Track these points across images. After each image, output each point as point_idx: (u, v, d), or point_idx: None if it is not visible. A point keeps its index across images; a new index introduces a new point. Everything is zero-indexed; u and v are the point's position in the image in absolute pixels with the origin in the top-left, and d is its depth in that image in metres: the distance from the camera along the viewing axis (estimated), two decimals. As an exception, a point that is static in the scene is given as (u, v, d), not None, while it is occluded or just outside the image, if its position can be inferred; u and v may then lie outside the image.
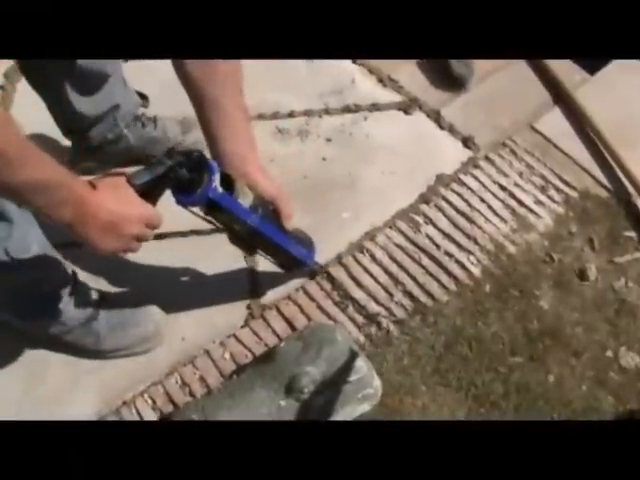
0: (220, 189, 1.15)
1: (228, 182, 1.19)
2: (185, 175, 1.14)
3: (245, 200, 1.22)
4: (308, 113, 1.92)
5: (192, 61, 1.18)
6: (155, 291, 1.56)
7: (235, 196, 1.20)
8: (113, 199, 1.04)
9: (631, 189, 1.73)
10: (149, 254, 1.58)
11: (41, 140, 1.82)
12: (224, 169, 1.21)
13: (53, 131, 1.69)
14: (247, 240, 1.36)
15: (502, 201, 1.73)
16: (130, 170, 1.10)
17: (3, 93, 1.97)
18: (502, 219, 1.69)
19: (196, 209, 1.21)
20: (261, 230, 1.29)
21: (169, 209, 1.57)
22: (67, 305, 1.41)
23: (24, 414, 1.44)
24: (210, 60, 1.18)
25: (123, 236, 1.07)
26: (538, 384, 1.45)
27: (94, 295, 1.48)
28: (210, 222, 1.27)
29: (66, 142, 1.73)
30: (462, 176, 1.78)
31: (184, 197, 1.16)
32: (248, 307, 1.57)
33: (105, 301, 1.49)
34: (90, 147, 1.70)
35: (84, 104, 1.59)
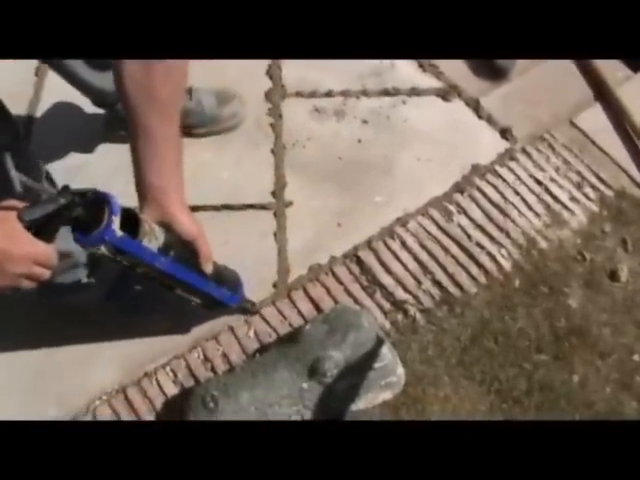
0: (118, 232, 1.06)
1: (134, 222, 1.11)
2: (82, 214, 1.04)
3: (153, 242, 1.14)
4: (346, 93, 1.90)
5: (132, 82, 1.12)
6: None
7: (140, 238, 1.11)
8: None
9: (668, 192, 1.70)
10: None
11: (75, 108, 1.82)
12: (145, 202, 1.15)
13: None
14: (161, 281, 1.27)
15: (537, 195, 1.70)
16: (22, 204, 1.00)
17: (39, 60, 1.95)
18: (536, 214, 1.67)
19: (103, 248, 1.10)
20: (170, 273, 1.21)
21: (201, 183, 1.56)
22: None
23: (44, 380, 1.45)
24: (152, 83, 1.11)
25: (6, 274, 0.98)
26: (562, 383, 1.44)
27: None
28: (119, 263, 1.16)
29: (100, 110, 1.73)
30: (498, 167, 1.75)
31: (80, 237, 1.07)
32: (274, 286, 1.57)
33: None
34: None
35: (103, 80, 1.56)
